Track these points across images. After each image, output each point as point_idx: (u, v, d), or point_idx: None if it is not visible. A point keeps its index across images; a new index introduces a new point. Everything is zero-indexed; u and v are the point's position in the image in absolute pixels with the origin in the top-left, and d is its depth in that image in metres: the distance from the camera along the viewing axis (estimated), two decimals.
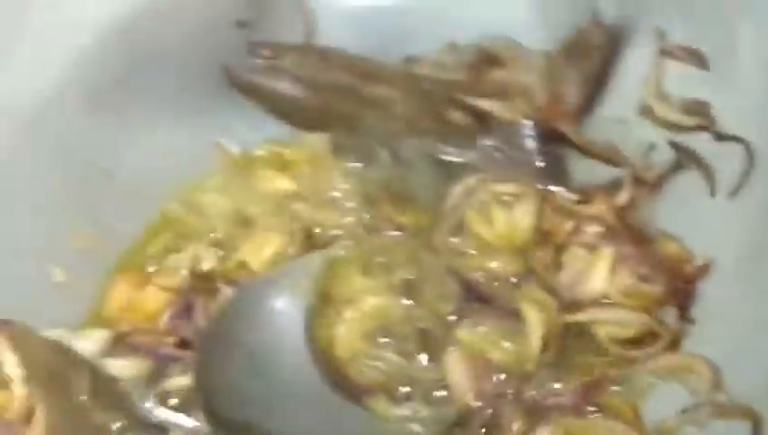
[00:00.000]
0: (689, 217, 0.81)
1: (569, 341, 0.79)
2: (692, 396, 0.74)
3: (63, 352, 0.79)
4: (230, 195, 0.90)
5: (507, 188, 0.84)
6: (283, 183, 0.89)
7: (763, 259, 0.75)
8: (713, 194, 0.80)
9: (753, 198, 0.77)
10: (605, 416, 0.75)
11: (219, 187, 0.91)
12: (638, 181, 0.83)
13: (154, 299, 0.84)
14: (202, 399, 0.75)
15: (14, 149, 0.84)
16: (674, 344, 0.77)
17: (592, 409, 0.76)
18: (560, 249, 0.81)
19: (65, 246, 0.86)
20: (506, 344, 0.78)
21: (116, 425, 0.76)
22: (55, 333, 0.80)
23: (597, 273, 0.79)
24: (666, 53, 0.84)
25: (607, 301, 0.79)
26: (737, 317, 0.75)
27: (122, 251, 0.89)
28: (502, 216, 0.83)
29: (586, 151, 0.86)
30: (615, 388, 0.77)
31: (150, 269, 0.87)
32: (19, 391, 0.74)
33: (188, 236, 0.88)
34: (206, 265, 0.85)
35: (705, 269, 0.79)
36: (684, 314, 0.78)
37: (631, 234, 0.80)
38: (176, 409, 0.78)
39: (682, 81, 0.83)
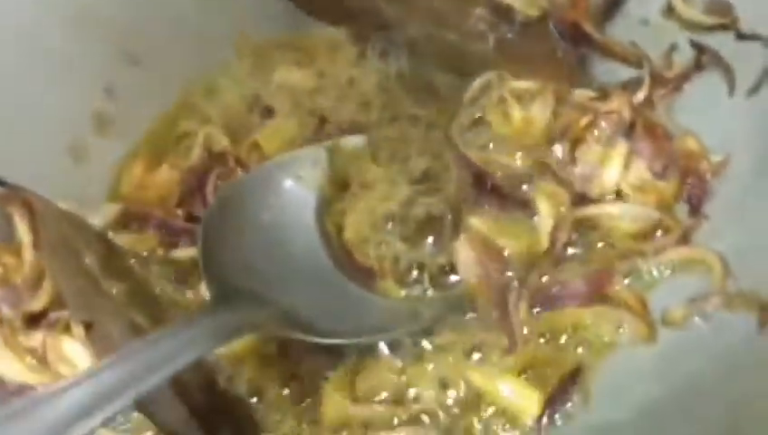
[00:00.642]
0: (708, 116, 0.81)
1: (580, 233, 0.78)
2: (700, 288, 0.74)
3: (76, 222, 0.80)
4: (247, 82, 0.90)
5: (525, 84, 0.84)
6: (300, 73, 0.89)
7: None
8: (731, 93, 0.80)
9: None
10: (612, 306, 0.75)
11: (237, 73, 0.91)
12: (658, 79, 0.82)
13: (167, 179, 0.85)
14: (207, 268, 0.75)
15: (43, 21, 0.85)
16: (685, 239, 0.76)
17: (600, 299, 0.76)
18: (575, 144, 0.80)
19: (88, 125, 0.87)
20: (516, 233, 0.78)
21: (121, 291, 0.77)
22: (69, 205, 0.81)
23: (611, 167, 0.79)
24: None
25: (619, 195, 0.79)
26: (749, 214, 0.75)
27: (141, 132, 0.89)
28: (519, 111, 0.82)
29: (607, 51, 0.86)
30: (624, 280, 0.76)
31: (166, 150, 0.88)
32: (28, 256, 0.75)
33: (204, 120, 0.88)
34: (220, 146, 0.86)
35: (720, 166, 0.78)
36: (697, 210, 0.78)
37: (648, 129, 0.79)
38: (180, 278, 0.79)
39: None
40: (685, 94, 0.82)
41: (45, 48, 0.85)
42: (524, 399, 0.72)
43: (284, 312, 0.73)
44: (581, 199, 0.79)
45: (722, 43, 0.81)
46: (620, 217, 0.78)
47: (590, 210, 0.79)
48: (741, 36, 0.80)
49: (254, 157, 0.85)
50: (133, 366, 0.60)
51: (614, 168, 0.79)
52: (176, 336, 0.64)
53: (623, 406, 0.70)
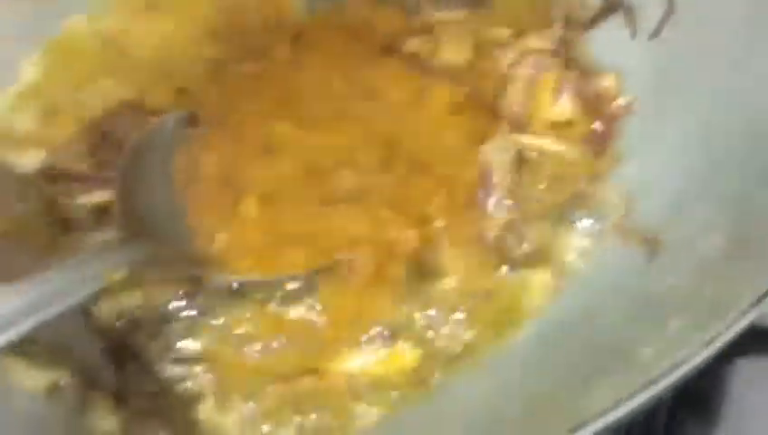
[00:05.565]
0: (613, 58, 0.83)
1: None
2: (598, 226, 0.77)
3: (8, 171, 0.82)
4: None
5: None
6: None
7: (676, 98, 0.78)
8: (633, 36, 0.83)
9: (672, 40, 0.80)
10: None
11: None
12: (571, 19, 0.85)
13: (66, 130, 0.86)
14: (121, 209, 0.76)
15: None
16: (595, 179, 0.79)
17: None
18: (504, 81, 0.83)
19: None
20: None
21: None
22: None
23: (540, 101, 0.81)
24: None
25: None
26: (652, 151, 0.78)
27: None
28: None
29: None
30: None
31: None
32: None
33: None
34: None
35: (627, 107, 0.81)
36: (603, 150, 0.80)
37: (571, 64, 0.83)
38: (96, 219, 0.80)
39: None
40: (594, 36, 0.85)
41: None
42: None
43: (189, 251, 0.76)
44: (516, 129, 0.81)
45: None
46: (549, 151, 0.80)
47: (522, 139, 0.80)
48: None
49: (182, 101, 0.86)
50: (38, 292, 0.62)
51: (544, 101, 0.81)
52: (82, 266, 0.66)
53: (524, 332, 0.73)
